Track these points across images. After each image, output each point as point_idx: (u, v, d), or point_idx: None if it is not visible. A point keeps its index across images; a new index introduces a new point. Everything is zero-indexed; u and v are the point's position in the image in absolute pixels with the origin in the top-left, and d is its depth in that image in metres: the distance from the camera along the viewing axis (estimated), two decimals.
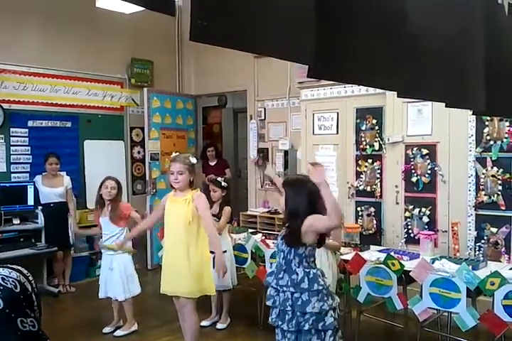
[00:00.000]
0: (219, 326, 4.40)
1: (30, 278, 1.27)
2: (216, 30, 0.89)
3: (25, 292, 1.22)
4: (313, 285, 2.62)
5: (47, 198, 5.41)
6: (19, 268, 1.28)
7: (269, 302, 2.75)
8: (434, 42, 1.41)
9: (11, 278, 1.21)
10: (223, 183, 4.43)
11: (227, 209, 4.35)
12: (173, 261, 3.45)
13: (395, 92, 1.42)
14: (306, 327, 2.59)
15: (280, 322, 2.68)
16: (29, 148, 5.74)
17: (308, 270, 2.65)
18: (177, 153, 3.54)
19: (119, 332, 4.27)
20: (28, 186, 5.41)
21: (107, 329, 4.33)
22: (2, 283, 1.19)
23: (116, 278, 4.19)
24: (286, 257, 2.68)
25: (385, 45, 1.26)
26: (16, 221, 5.35)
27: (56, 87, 6.00)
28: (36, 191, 5.41)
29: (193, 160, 3.46)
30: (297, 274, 2.65)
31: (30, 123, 5.77)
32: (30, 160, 5.74)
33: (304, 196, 2.64)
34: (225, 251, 4.29)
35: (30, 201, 5.39)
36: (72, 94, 6.15)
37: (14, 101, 5.64)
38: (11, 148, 5.62)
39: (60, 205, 5.45)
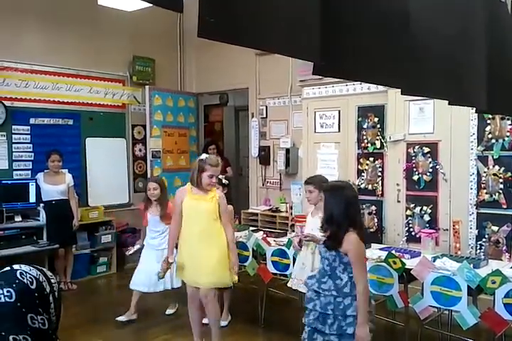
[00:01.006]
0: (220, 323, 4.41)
1: (53, 280, 1.29)
2: (224, 27, 0.90)
3: (42, 291, 1.24)
4: (355, 290, 2.68)
5: (49, 195, 5.42)
6: (43, 269, 1.31)
7: (309, 305, 2.80)
8: (435, 42, 1.41)
9: (29, 274, 1.24)
10: (224, 181, 4.42)
11: (229, 208, 4.35)
12: (197, 254, 3.58)
13: (397, 90, 1.42)
14: (350, 330, 2.64)
15: (320, 326, 2.73)
16: (31, 145, 5.76)
17: (351, 275, 2.71)
18: (207, 155, 3.72)
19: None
20: (30, 183, 5.42)
21: (121, 318, 4.45)
22: (19, 277, 1.22)
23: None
24: (331, 264, 2.75)
25: (386, 44, 1.26)
26: (18, 218, 5.36)
27: (58, 84, 6.01)
28: (38, 188, 5.42)
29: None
30: (341, 279, 2.71)
31: (32, 121, 5.77)
32: (32, 158, 5.75)
33: (340, 201, 2.71)
34: None
35: (32, 198, 5.40)
36: (74, 91, 6.16)
37: (16, 99, 5.65)
38: (13, 145, 5.63)
39: (62, 203, 5.46)
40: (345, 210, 2.70)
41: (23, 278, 1.22)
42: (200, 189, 3.60)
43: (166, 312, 4.72)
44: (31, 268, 1.27)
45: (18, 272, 1.23)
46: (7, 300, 1.19)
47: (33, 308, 1.21)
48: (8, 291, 1.19)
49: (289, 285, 3.75)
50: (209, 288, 3.61)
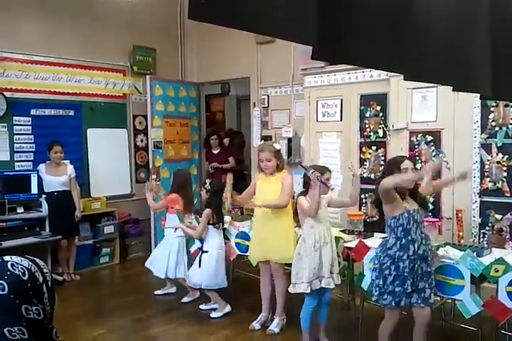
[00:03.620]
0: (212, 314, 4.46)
1: (45, 270, 1.27)
2: (216, 8, 0.87)
3: (35, 281, 1.22)
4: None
5: (51, 187, 5.42)
6: (35, 259, 1.29)
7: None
8: (437, 25, 1.37)
9: (20, 265, 1.22)
10: (207, 185, 4.36)
11: (205, 212, 4.32)
12: (264, 231, 3.97)
13: (400, 78, 1.39)
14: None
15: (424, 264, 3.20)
16: (32, 136, 5.74)
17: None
18: (262, 142, 4.11)
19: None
20: (32, 175, 5.41)
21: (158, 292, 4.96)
22: (11, 269, 1.21)
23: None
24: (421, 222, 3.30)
25: (387, 27, 1.23)
26: (20, 209, 5.36)
27: (58, 75, 5.97)
28: (40, 180, 5.41)
29: (277, 147, 3.97)
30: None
31: (33, 112, 5.75)
32: (34, 149, 5.74)
33: None
34: (206, 251, 4.32)
35: (34, 190, 5.39)
36: (74, 82, 6.12)
37: (17, 90, 5.62)
38: (14, 136, 5.61)
39: (64, 194, 5.46)
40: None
41: (15, 270, 1.20)
42: (266, 173, 3.98)
43: (182, 300, 4.81)
44: (22, 258, 1.25)
45: (9, 264, 1.22)
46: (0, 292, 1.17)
47: (27, 299, 1.20)
48: (0, 284, 1.18)
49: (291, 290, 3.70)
50: (279, 264, 3.98)
